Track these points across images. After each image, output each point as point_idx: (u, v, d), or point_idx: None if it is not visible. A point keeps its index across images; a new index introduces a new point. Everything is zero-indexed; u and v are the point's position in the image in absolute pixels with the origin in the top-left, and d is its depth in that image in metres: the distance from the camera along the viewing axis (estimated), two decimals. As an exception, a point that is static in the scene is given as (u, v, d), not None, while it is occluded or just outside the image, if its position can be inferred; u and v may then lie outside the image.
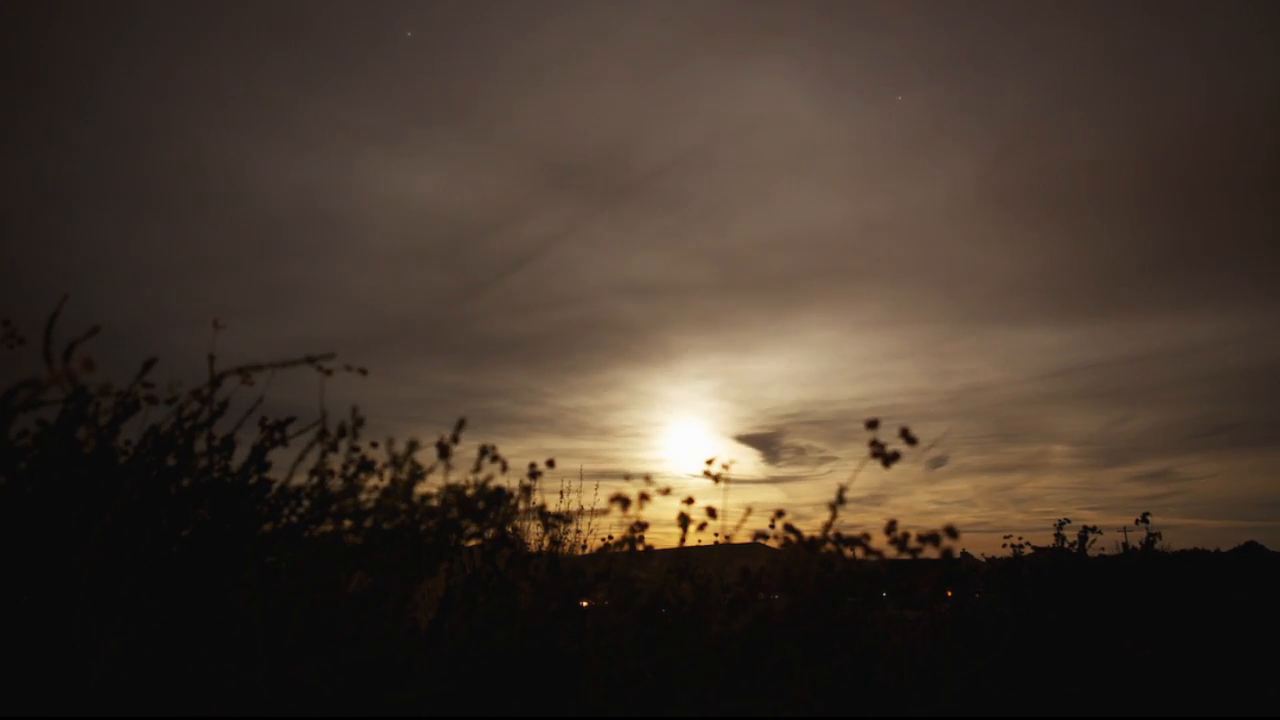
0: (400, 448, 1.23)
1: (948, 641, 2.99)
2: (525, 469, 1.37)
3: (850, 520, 1.19)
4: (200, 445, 1.29)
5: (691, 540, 1.33)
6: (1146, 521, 3.67)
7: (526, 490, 1.35)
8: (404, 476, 1.23)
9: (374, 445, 1.31)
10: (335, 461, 1.33)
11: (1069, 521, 3.97)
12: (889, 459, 1.12)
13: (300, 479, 1.33)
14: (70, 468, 1.18)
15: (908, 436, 1.12)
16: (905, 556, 1.19)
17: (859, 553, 1.21)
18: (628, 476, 1.23)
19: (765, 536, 1.37)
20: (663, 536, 1.37)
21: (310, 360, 1.24)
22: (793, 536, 1.27)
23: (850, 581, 1.16)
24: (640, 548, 1.31)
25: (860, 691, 1.29)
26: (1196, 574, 3.86)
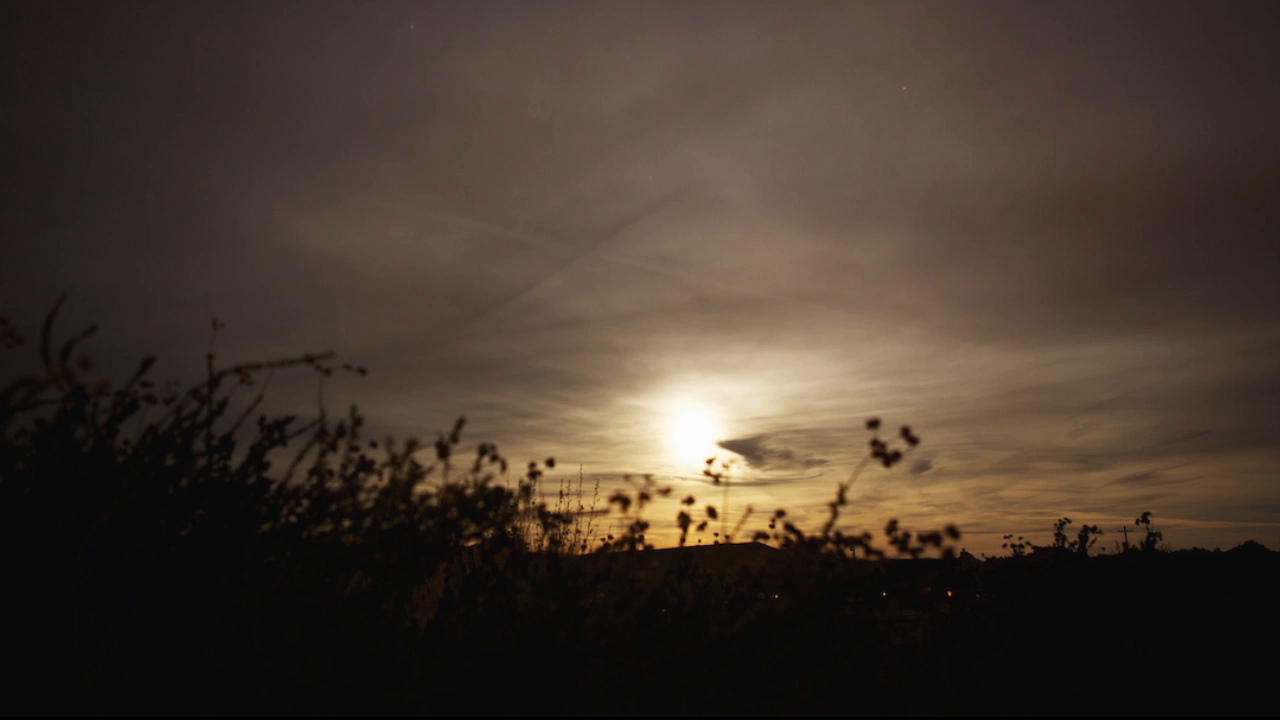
0: (399, 448, 1.23)
1: (949, 641, 2.99)
2: (524, 469, 1.37)
3: (844, 522, 1.19)
4: (199, 445, 1.29)
5: (691, 540, 1.33)
6: (1147, 521, 3.66)
7: (526, 490, 1.35)
8: (403, 476, 1.23)
9: (373, 445, 1.31)
10: (334, 461, 1.33)
11: (1069, 521, 3.97)
12: (890, 458, 1.12)
13: (299, 479, 1.33)
14: (68, 467, 1.17)
15: (909, 436, 1.12)
16: (906, 556, 1.19)
17: (859, 553, 1.21)
18: (627, 476, 1.22)
19: (765, 537, 1.36)
20: (663, 537, 1.37)
21: (309, 359, 1.23)
22: (793, 536, 1.26)
23: (851, 581, 1.16)
24: (640, 548, 1.30)
25: (861, 692, 1.29)
26: (1197, 574, 3.86)
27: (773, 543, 1.36)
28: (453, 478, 1.26)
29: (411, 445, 1.22)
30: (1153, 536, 3.77)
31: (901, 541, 1.13)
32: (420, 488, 1.25)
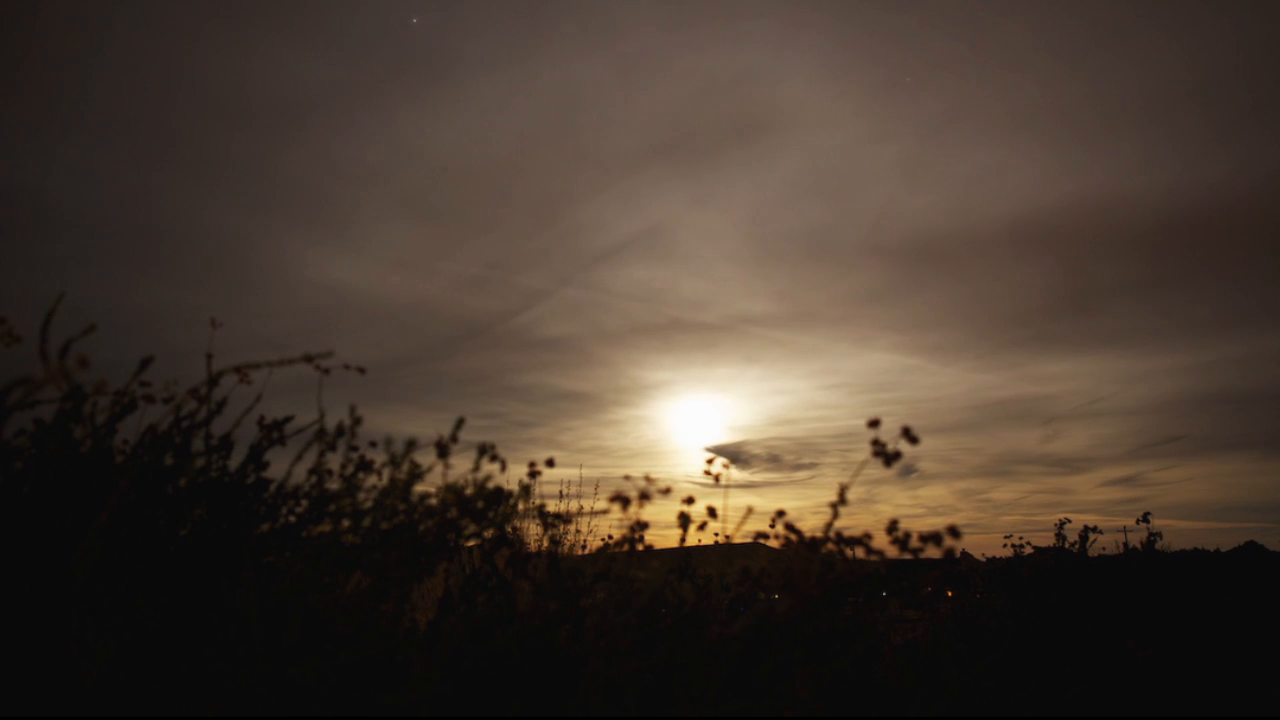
0: (398, 448, 1.23)
1: (949, 641, 2.98)
2: (524, 470, 1.37)
3: (839, 524, 1.19)
4: (198, 444, 1.28)
5: (691, 540, 1.32)
6: (1148, 521, 3.66)
7: (525, 490, 1.35)
8: (402, 476, 1.23)
9: (372, 445, 1.30)
10: (333, 461, 1.33)
11: (1069, 521, 3.96)
12: (891, 458, 1.11)
13: (298, 479, 1.33)
14: (67, 467, 1.17)
15: (910, 435, 1.11)
16: (907, 556, 1.18)
17: (860, 553, 1.21)
18: (627, 477, 1.22)
19: (765, 537, 1.36)
20: (663, 537, 1.37)
21: (308, 359, 1.23)
22: (794, 536, 1.26)
23: (852, 581, 1.16)
24: (640, 548, 1.30)
25: (862, 692, 1.29)
26: (1197, 574, 3.85)
27: (773, 543, 1.36)
28: (452, 478, 1.26)
29: (410, 445, 1.22)
30: (1153, 536, 3.76)
31: (902, 541, 1.12)
32: (419, 488, 1.25)
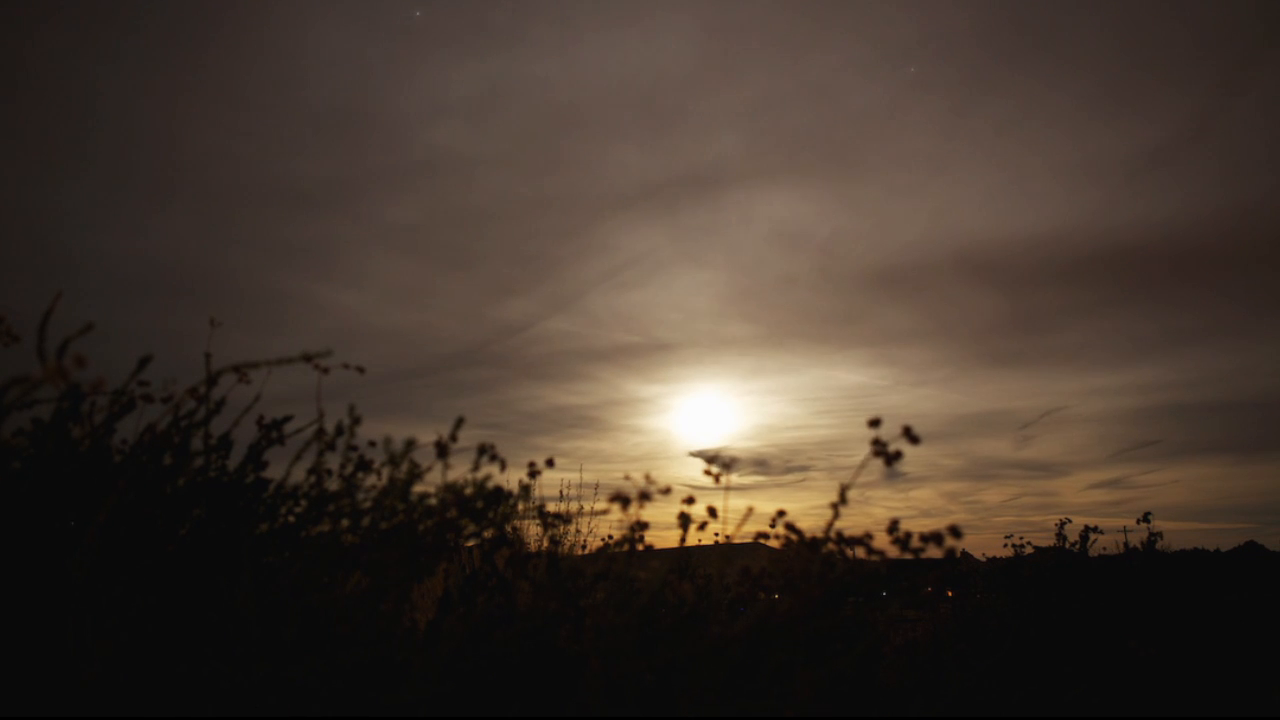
0: (397, 447, 1.22)
1: (950, 642, 2.98)
2: (524, 470, 1.36)
3: (837, 524, 1.19)
4: (196, 444, 1.28)
5: (692, 540, 1.32)
6: (1148, 521, 3.66)
7: (525, 490, 1.34)
8: (402, 475, 1.22)
9: (371, 445, 1.30)
10: (333, 461, 1.32)
11: (1070, 521, 3.96)
12: (891, 458, 1.11)
13: (297, 478, 1.32)
14: (65, 467, 1.17)
15: (911, 435, 1.11)
16: (907, 556, 1.18)
17: (860, 553, 1.20)
18: (627, 476, 1.22)
19: (766, 537, 1.36)
20: (663, 537, 1.36)
21: (307, 358, 1.23)
22: (794, 536, 1.25)
23: (852, 582, 1.15)
24: (640, 547, 1.30)
25: (862, 692, 1.28)
26: (1197, 574, 3.85)
27: (773, 543, 1.36)
28: (452, 478, 1.25)
29: (409, 445, 1.22)
30: (1154, 536, 3.76)
31: (903, 541, 1.12)
32: (419, 488, 1.24)
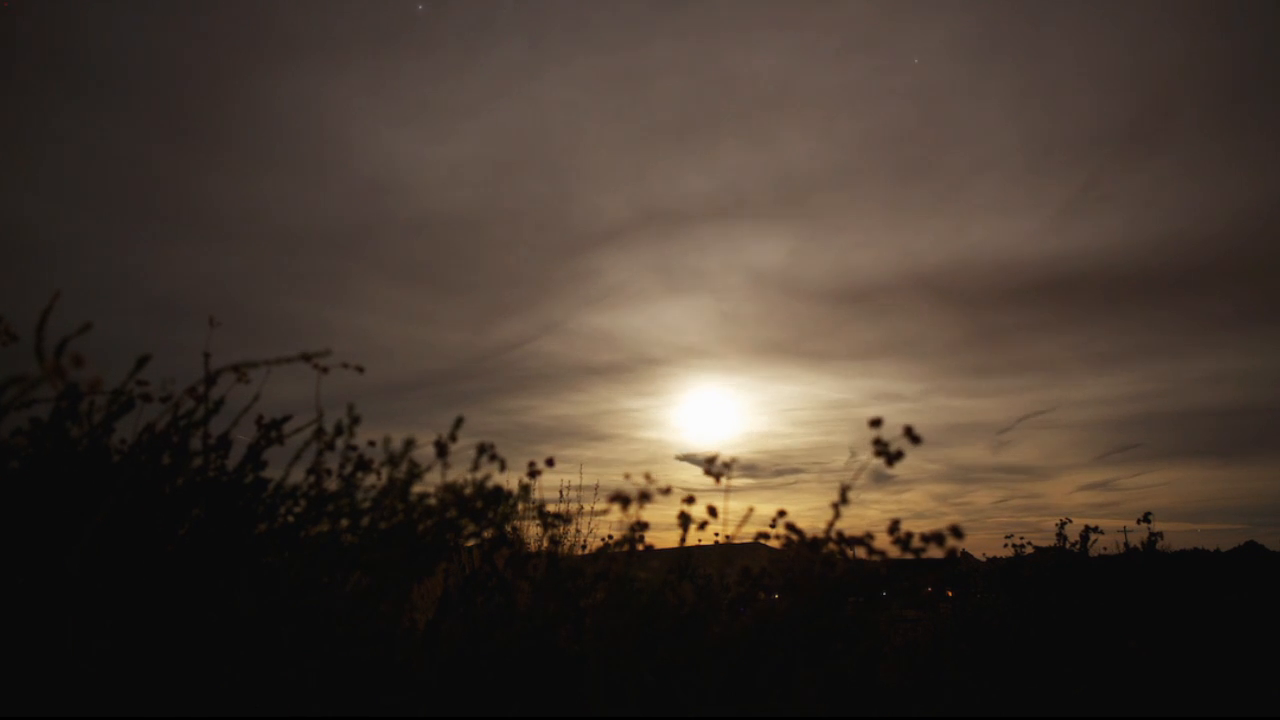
0: (397, 447, 1.22)
1: (951, 642, 2.98)
2: (524, 470, 1.36)
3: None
4: (195, 444, 1.28)
5: (692, 540, 1.32)
6: (1149, 521, 3.66)
7: (525, 490, 1.34)
8: (401, 475, 1.22)
9: (371, 444, 1.30)
10: (332, 461, 1.32)
11: (1070, 521, 3.96)
12: (893, 457, 1.11)
13: (296, 478, 1.32)
14: (63, 466, 1.16)
15: (912, 435, 1.11)
16: (908, 556, 1.18)
17: (861, 553, 1.20)
18: (627, 476, 1.21)
19: (766, 537, 1.35)
20: (663, 538, 1.36)
21: (306, 357, 1.22)
22: (795, 536, 1.25)
23: (853, 581, 1.15)
24: (640, 548, 1.29)
25: (863, 692, 1.28)
26: (1197, 574, 3.85)
27: (773, 543, 1.35)
28: (451, 478, 1.25)
29: (409, 445, 1.21)
30: (1154, 536, 3.76)
31: (904, 541, 1.12)
32: (418, 487, 1.24)
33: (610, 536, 1.36)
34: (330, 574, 1.16)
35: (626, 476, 1.21)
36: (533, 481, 1.36)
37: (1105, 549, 3.75)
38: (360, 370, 1.33)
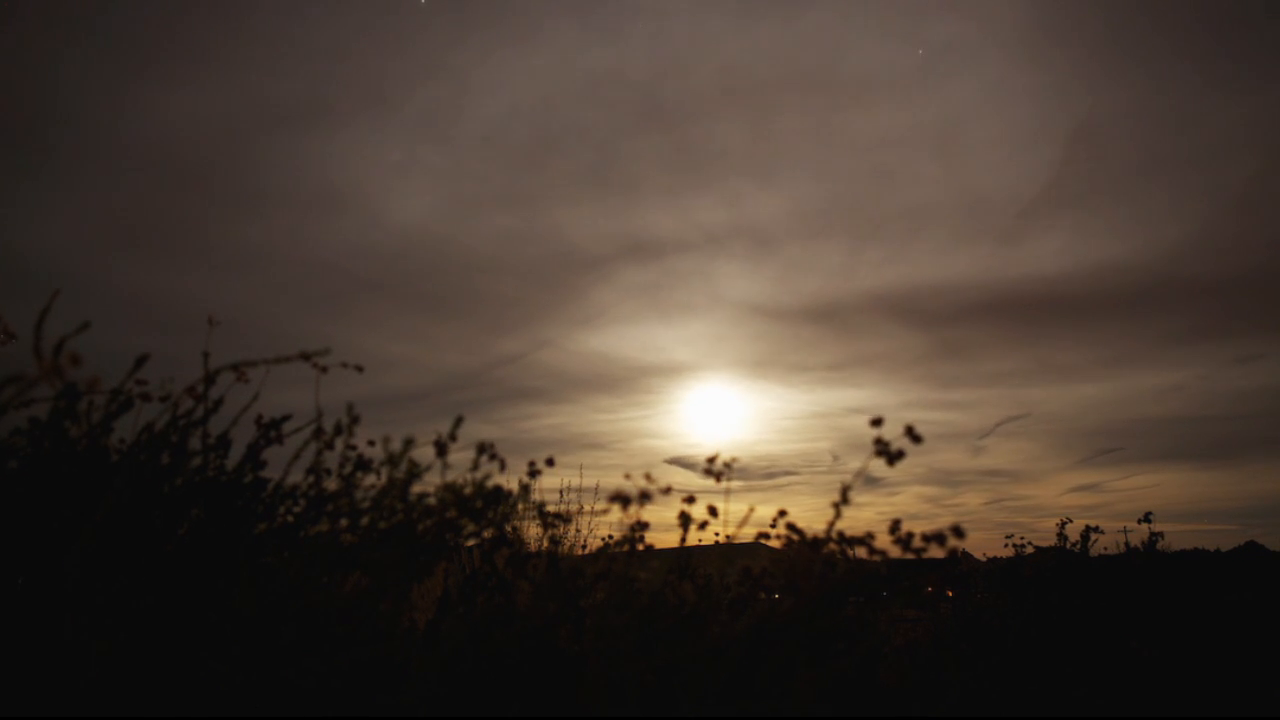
0: (396, 446, 1.22)
1: (951, 642, 2.97)
2: (524, 469, 1.36)
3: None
4: (194, 443, 1.27)
5: (692, 540, 1.31)
6: (1149, 521, 3.65)
7: (525, 490, 1.34)
8: (400, 475, 1.22)
9: (370, 444, 1.29)
10: (331, 460, 1.32)
11: (1070, 521, 3.95)
12: (894, 457, 1.10)
13: (296, 478, 1.31)
14: (62, 466, 1.16)
15: (913, 435, 1.10)
16: (909, 556, 1.17)
17: (862, 552, 1.20)
18: (627, 475, 1.21)
19: (767, 537, 1.35)
20: (663, 538, 1.36)
21: (305, 357, 1.22)
22: (795, 536, 1.25)
23: (854, 581, 1.15)
24: (640, 548, 1.29)
25: (864, 693, 1.28)
26: (1198, 574, 3.84)
27: (774, 543, 1.35)
28: (451, 477, 1.25)
29: (408, 444, 1.21)
30: (1154, 536, 3.75)
31: (905, 541, 1.11)
32: (418, 487, 1.24)
33: (610, 536, 1.36)
34: (330, 574, 1.16)
35: (627, 477, 1.20)
36: (532, 481, 1.36)
37: (1106, 549, 3.75)
38: (359, 370, 1.32)
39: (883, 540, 1.16)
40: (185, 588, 1.14)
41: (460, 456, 1.25)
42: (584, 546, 3.79)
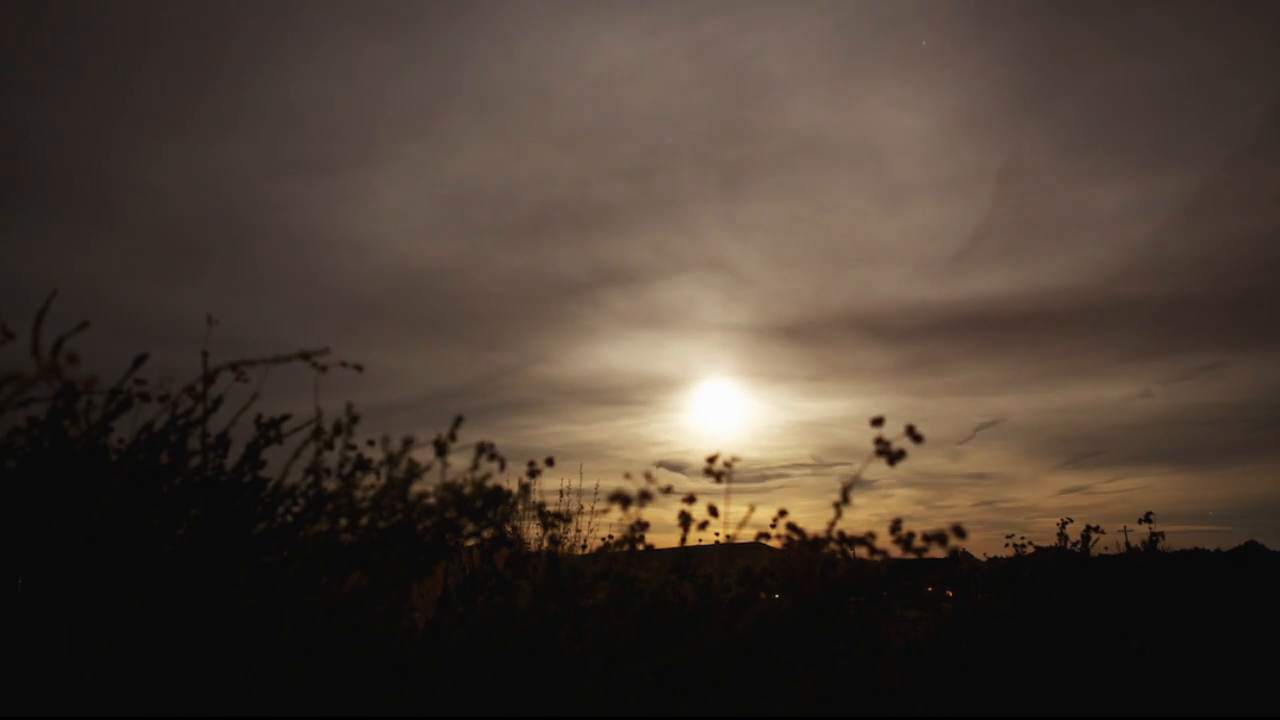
0: (396, 446, 1.21)
1: (952, 642, 2.97)
2: (523, 469, 1.35)
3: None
4: (193, 443, 1.27)
5: (692, 540, 1.31)
6: (1150, 521, 3.64)
7: (525, 489, 1.33)
8: (400, 475, 1.21)
9: (370, 444, 1.29)
10: (331, 460, 1.31)
11: (1071, 521, 3.94)
12: (895, 457, 1.10)
13: (295, 477, 1.31)
14: (60, 465, 1.16)
15: (914, 434, 1.10)
16: (910, 556, 1.17)
17: (863, 552, 1.19)
18: (627, 475, 1.21)
19: (767, 537, 1.35)
20: (663, 538, 1.35)
21: (304, 356, 1.22)
22: (796, 536, 1.24)
23: (854, 581, 1.14)
24: (640, 547, 1.29)
25: (865, 693, 1.27)
26: (1198, 573, 3.84)
27: (774, 542, 1.35)
28: (451, 477, 1.24)
29: (408, 443, 1.20)
30: (1155, 536, 3.74)
31: (906, 541, 1.11)
32: (418, 487, 1.23)
33: (610, 536, 1.36)
34: (329, 574, 1.16)
35: (627, 476, 1.20)
36: (532, 481, 1.36)
37: (1106, 549, 3.74)
38: (359, 369, 1.32)
39: (883, 540, 1.16)
40: (184, 588, 1.14)
41: (460, 458, 1.25)
42: (584, 546, 3.79)
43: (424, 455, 1.24)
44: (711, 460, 1.29)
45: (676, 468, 1.24)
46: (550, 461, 1.38)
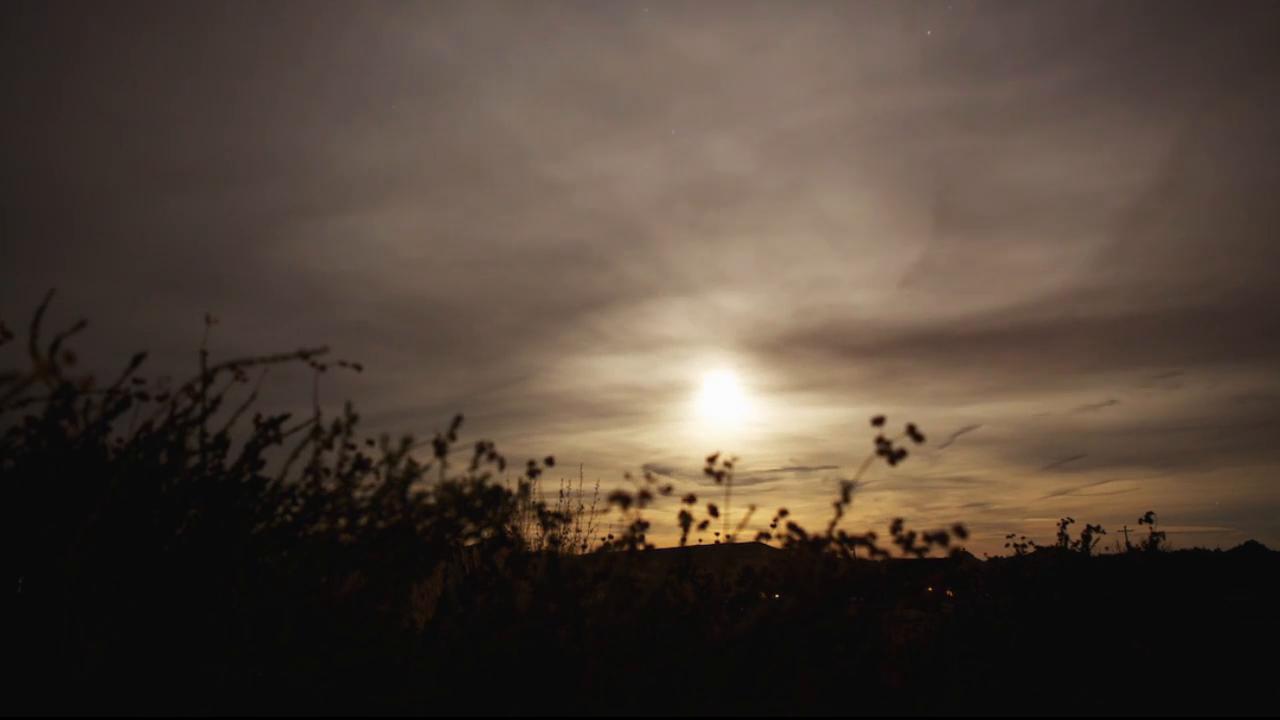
0: (395, 445, 1.21)
1: (953, 642, 2.97)
2: (523, 469, 1.35)
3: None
4: (192, 442, 1.27)
5: (692, 540, 1.31)
6: (1151, 521, 3.64)
7: (525, 489, 1.33)
8: (399, 475, 1.21)
9: (369, 443, 1.29)
10: (330, 459, 1.31)
11: (1072, 521, 3.94)
12: (895, 456, 1.10)
13: (294, 477, 1.31)
14: (59, 465, 1.15)
15: (915, 434, 1.10)
16: (910, 556, 1.17)
17: (864, 552, 1.19)
18: (628, 475, 1.20)
19: (767, 537, 1.34)
20: (663, 537, 1.35)
21: (303, 355, 1.21)
22: (796, 536, 1.24)
23: (855, 581, 1.14)
24: (640, 547, 1.28)
25: (865, 693, 1.27)
26: (1198, 573, 3.83)
27: (775, 542, 1.34)
28: (450, 477, 1.24)
29: (407, 443, 1.20)
30: (1156, 536, 3.74)
31: (907, 540, 1.11)
32: (417, 487, 1.23)
33: (610, 536, 1.35)
34: (328, 574, 1.15)
35: (627, 476, 1.20)
36: (532, 481, 1.35)
37: (1106, 549, 3.74)
38: (358, 369, 1.32)
39: (884, 540, 1.15)
40: (183, 588, 1.13)
41: (459, 459, 1.25)
42: (584, 546, 3.78)
43: (423, 456, 1.24)
44: (711, 460, 1.28)
45: (664, 471, 1.24)
46: (550, 461, 1.38)
